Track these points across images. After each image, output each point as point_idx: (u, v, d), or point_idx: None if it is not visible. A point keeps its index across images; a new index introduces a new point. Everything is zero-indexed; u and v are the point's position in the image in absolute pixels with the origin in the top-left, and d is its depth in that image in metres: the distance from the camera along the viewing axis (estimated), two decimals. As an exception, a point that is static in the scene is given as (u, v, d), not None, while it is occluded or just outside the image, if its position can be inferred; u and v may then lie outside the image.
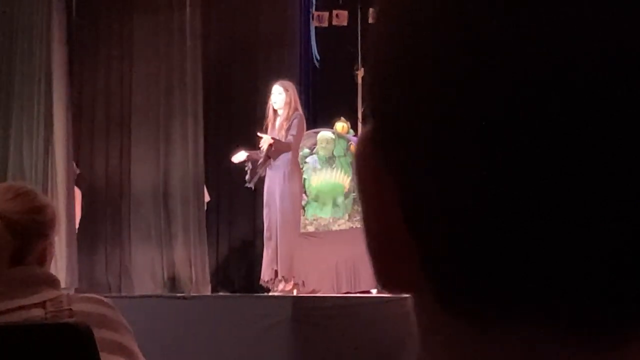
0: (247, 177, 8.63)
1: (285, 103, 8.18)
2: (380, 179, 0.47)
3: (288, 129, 8.16)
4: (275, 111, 8.25)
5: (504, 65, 0.42)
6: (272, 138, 8.08)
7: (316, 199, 10.29)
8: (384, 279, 0.49)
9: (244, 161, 8.55)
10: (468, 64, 0.42)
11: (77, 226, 9.58)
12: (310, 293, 8.53)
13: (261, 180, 8.60)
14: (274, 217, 8.30)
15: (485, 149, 0.42)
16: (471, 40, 0.42)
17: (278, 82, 8.32)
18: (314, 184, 10.26)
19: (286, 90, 8.22)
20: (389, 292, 0.49)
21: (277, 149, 8.14)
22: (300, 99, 8.67)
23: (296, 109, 8.22)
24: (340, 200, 10.34)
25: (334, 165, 10.37)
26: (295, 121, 8.17)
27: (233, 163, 8.64)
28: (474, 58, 0.42)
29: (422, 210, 0.45)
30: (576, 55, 0.41)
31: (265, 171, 8.38)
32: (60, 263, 8.55)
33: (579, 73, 0.41)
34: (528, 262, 0.42)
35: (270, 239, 8.37)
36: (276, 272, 8.31)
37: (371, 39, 0.48)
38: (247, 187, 8.95)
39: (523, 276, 0.42)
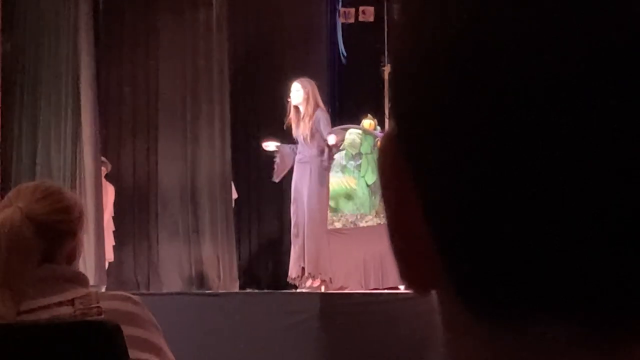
0: (275, 171, 8.65)
1: (304, 99, 8.20)
2: (402, 178, 0.47)
3: (313, 125, 8.16)
4: (297, 109, 8.27)
5: (521, 64, 0.42)
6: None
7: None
8: (407, 277, 0.49)
9: (275, 151, 8.57)
10: (486, 63, 0.43)
11: (112, 222, 9.63)
12: (338, 290, 8.54)
13: (288, 176, 8.61)
14: (302, 213, 8.32)
15: (507, 148, 0.42)
16: (488, 40, 0.43)
17: (296, 80, 8.35)
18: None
19: (304, 87, 8.24)
20: (413, 291, 0.49)
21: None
22: (327, 95, 8.68)
23: (317, 105, 8.23)
24: (349, 202, 10.38)
25: (359, 162, 10.37)
26: (323, 120, 8.19)
27: (260, 159, 8.65)
28: (491, 57, 0.43)
29: (443, 209, 0.45)
30: (591, 57, 0.41)
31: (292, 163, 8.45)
32: (89, 261, 8.59)
33: (596, 75, 0.41)
34: (549, 261, 0.42)
35: (297, 235, 8.38)
36: (303, 269, 8.32)
37: (392, 38, 0.49)
38: (273, 183, 8.98)
39: (544, 275, 0.43)
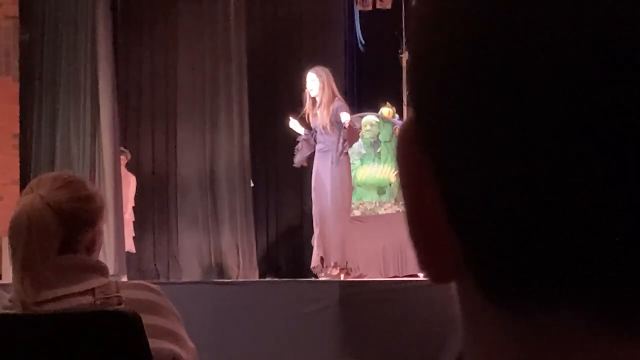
0: (295, 157, 8.58)
1: (320, 89, 8.17)
2: (421, 167, 0.47)
3: (332, 116, 8.13)
4: (313, 99, 8.25)
5: (556, 63, 0.41)
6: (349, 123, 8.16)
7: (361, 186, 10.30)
8: (426, 266, 0.49)
9: (297, 134, 8.47)
10: (507, 55, 0.42)
11: (133, 212, 9.64)
12: (358, 277, 8.54)
13: (309, 164, 8.59)
14: (323, 202, 8.30)
15: (524, 141, 0.42)
16: (523, 35, 0.42)
17: (311, 70, 8.32)
18: (359, 178, 10.23)
19: (319, 75, 8.21)
20: (432, 280, 0.49)
21: (353, 134, 8.25)
22: (345, 83, 8.64)
23: (333, 94, 8.20)
24: (386, 190, 10.38)
25: (378, 150, 10.36)
26: (342, 110, 8.16)
27: (279, 146, 8.58)
28: (524, 54, 0.42)
29: (463, 199, 0.45)
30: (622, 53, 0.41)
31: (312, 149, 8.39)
32: (109, 250, 8.61)
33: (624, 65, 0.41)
34: (571, 250, 0.42)
35: (317, 224, 8.38)
36: (322, 258, 8.31)
37: (412, 27, 0.48)
38: (292, 170, 8.95)
39: (566, 264, 0.42)
